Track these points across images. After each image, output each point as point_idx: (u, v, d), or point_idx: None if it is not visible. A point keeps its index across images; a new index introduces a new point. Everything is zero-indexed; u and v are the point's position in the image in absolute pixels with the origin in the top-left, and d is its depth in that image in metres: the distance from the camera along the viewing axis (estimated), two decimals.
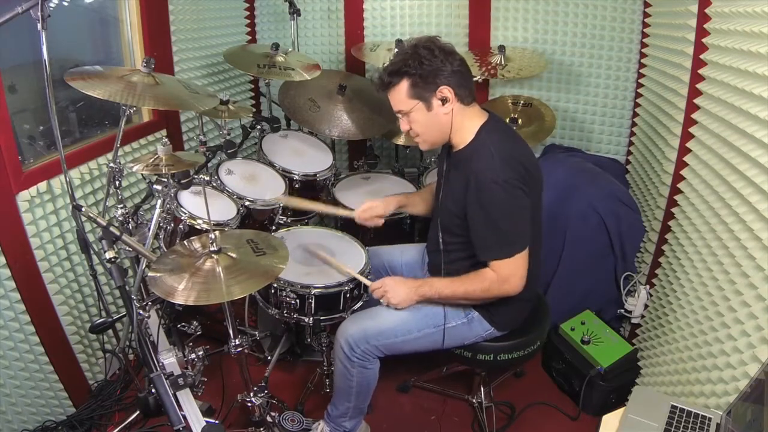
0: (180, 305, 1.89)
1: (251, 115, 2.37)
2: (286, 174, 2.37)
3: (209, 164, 2.01)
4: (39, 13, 1.31)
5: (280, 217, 2.27)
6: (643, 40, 2.60)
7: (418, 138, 1.65)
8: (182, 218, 1.92)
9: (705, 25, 1.85)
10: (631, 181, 2.68)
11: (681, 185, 2.00)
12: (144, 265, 1.75)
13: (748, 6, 1.54)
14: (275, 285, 1.80)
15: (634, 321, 2.30)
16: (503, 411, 2.12)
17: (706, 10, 1.83)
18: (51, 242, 1.90)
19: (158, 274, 1.42)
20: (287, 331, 2.26)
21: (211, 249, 1.47)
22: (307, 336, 1.92)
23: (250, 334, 2.18)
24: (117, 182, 1.86)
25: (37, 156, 1.94)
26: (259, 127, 2.32)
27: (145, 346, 1.31)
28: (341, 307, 1.84)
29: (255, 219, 2.22)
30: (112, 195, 1.95)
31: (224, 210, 2.07)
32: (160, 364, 1.57)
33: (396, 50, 2.43)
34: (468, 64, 1.59)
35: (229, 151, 2.02)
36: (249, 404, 1.75)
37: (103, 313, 2.00)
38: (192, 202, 1.99)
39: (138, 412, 1.94)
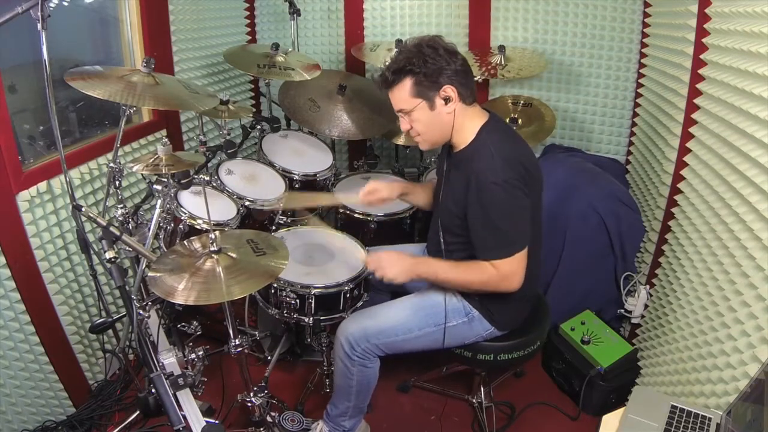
0: (180, 305, 1.89)
1: (251, 115, 2.37)
2: (286, 174, 2.37)
3: (209, 164, 2.01)
4: (39, 13, 1.31)
5: (280, 217, 2.27)
6: (643, 40, 2.60)
7: (419, 138, 1.64)
8: (182, 218, 1.93)
9: (705, 25, 1.85)
10: (631, 181, 2.68)
11: (681, 185, 2.00)
12: (144, 265, 1.75)
13: (748, 6, 1.54)
14: (275, 285, 1.81)
15: (634, 321, 2.30)
16: (503, 411, 2.12)
17: (706, 10, 1.83)
18: (51, 242, 1.90)
19: (158, 274, 1.42)
20: (287, 331, 2.25)
21: (211, 249, 1.47)
22: (307, 336, 1.92)
23: (250, 334, 2.18)
24: (117, 182, 1.86)
25: (37, 156, 1.94)
26: (259, 127, 2.32)
27: (145, 346, 1.31)
28: (341, 307, 1.85)
29: (255, 219, 2.23)
30: (112, 195, 1.95)
31: (224, 210, 2.07)
32: (160, 364, 1.57)
33: (396, 50, 2.43)
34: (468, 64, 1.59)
35: (229, 151, 2.02)
36: (249, 404, 1.75)
37: (103, 313, 2.00)
38: (192, 202, 1.99)
39: (138, 412, 1.94)
